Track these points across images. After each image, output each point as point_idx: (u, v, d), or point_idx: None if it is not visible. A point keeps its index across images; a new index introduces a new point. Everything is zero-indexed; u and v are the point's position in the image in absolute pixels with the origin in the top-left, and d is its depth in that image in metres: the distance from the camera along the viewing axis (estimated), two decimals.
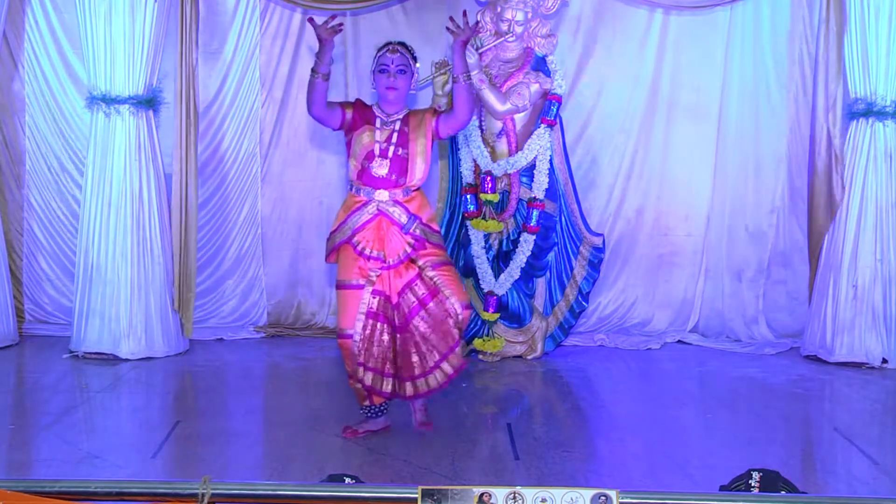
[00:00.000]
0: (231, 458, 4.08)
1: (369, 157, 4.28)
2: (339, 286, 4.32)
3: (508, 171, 5.99)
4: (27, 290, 6.72)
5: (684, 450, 4.31)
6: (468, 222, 6.06)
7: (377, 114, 4.36)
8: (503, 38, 5.91)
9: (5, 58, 6.56)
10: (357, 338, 4.23)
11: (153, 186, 5.94)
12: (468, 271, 6.10)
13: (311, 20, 4.28)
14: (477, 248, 6.03)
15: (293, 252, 6.85)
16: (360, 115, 4.35)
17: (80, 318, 5.92)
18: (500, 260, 6.08)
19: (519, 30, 5.92)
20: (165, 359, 5.93)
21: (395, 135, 4.31)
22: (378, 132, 4.31)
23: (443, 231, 6.17)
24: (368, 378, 4.26)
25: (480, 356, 6.10)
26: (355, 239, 4.27)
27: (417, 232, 4.27)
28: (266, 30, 6.68)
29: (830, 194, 6.12)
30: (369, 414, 4.42)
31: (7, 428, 4.42)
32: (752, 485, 3.16)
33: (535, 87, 5.92)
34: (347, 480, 2.95)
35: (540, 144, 5.99)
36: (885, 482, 3.90)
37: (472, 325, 6.15)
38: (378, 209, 4.27)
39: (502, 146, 6.01)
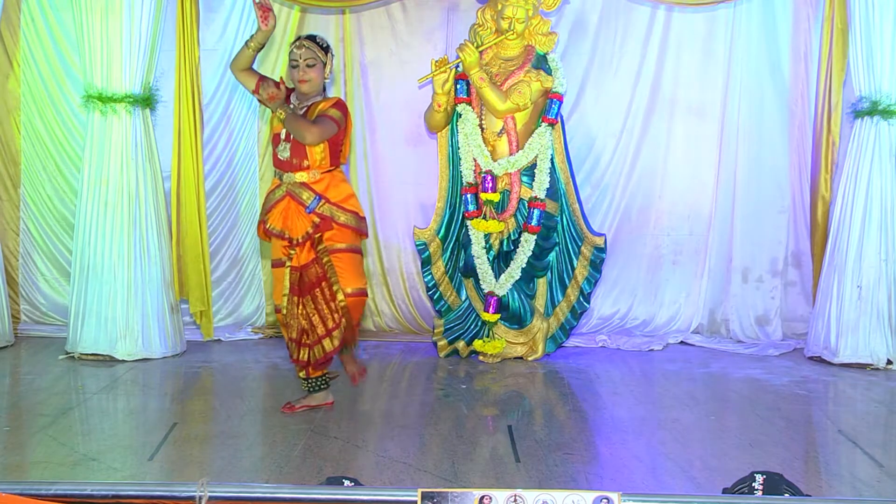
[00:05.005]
0: (228, 461, 4.04)
1: (275, 140, 4.60)
2: (272, 265, 4.72)
3: (509, 171, 5.95)
4: (23, 290, 6.70)
5: (687, 452, 4.28)
6: (468, 222, 6.02)
7: (292, 101, 4.59)
8: (504, 36, 5.87)
9: (1, 56, 6.52)
10: (284, 311, 4.61)
11: (150, 186, 5.90)
12: (469, 271, 6.06)
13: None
14: (477, 248, 5.99)
15: None
16: (273, 95, 4.50)
17: (76, 319, 5.89)
18: (501, 260, 6.04)
19: (520, 27, 5.88)
20: (162, 360, 5.91)
21: None
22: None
23: (442, 231, 6.16)
24: (293, 349, 4.62)
25: (481, 357, 6.06)
26: (266, 217, 4.61)
27: (323, 211, 4.52)
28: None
29: (822, 194, 6.11)
30: (308, 388, 4.76)
31: (2, 430, 4.39)
32: (756, 487, 3.12)
33: (535, 86, 5.88)
34: (346, 483, 2.91)
35: (541, 143, 5.95)
36: (890, 485, 3.87)
37: (472, 327, 6.12)
38: (286, 191, 4.55)
39: (503, 145, 5.96)
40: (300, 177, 4.53)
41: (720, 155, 6.81)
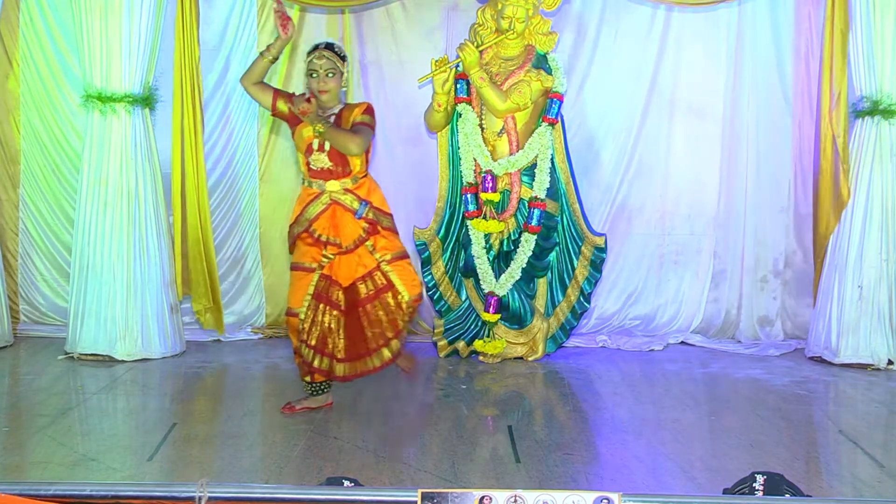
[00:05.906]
0: (228, 461, 4.04)
1: (308, 150, 4.55)
2: (292, 268, 4.70)
3: (509, 170, 5.94)
4: (22, 290, 6.68)
5: (687, 452, 4.27)
6: (468, 222, 6.01)
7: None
8: (504, 36, 5.86)
9: (0, 56, 6.51)
10: (302, 316, 4.56)
11: (149, 186, 5.89)
12: (468, 271, 6.05)
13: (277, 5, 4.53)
14: (477, 248, 5.98)
15: None
16: (305, 110, 4.37)
17: (75, 319, 5.88)
18: (501, 260, 6.03)
19: (520, 27, 5.87)
20: (162, 360, 5.90)
21: None
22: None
23: (442, 231, 6.15)
24: (310, 355, 4.61)
25: (481, 357, 6.06)
26: (312, 227, 4.58)
27: (370, 216, 4.59)
28: (263, 27, 6.63)
29: (836, 195, 6.07)
30: (310, 391, 4.76)
31: (2, 430, 4.38)
32: (756, 488, 3.11)
33: (536, 85, 5.87)
34: (346, 483, 2.91)
35: (541, 143, 5.94)
36: (891, 485, 3.87)
37: (472, 327, 6.11)
38: (331, 199, 4.57)
39: (503, 145, 5.96)
40: (344, 183, 4.55)
41: (725, 155, 6.79)
